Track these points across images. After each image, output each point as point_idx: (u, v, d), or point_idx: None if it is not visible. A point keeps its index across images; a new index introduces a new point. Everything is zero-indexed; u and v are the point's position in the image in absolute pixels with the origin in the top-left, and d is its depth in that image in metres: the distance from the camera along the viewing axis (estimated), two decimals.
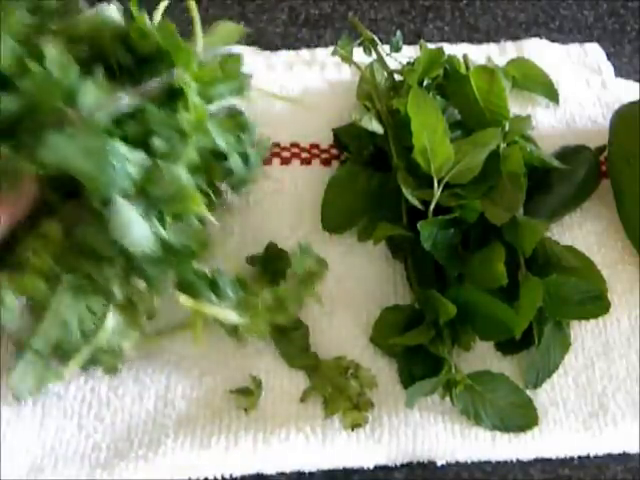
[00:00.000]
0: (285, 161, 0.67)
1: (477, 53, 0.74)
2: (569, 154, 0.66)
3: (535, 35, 0.79)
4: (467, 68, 0.67)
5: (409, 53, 0.70)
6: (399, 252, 0.62)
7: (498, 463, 0.55)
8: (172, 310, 0.54)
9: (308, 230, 0.63)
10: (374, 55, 0.70)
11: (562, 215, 0.65)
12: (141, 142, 0.51)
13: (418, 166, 0.58)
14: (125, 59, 0.54)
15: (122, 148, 0.49)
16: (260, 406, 0.55)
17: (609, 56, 0.77)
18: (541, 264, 0.58)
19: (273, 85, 0.70)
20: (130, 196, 0.49)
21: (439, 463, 0.55)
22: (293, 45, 0.78)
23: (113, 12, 0.55)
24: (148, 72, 0.54)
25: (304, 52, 0.76)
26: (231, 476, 0.53)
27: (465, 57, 0.68)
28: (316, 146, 0.68)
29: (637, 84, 0.74)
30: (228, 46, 0.60)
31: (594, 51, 0.77)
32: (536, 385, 0.56)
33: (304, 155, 0.68)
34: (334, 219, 0.63)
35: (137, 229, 0.49)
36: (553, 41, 0.78)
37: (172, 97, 0.53)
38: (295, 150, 0.68)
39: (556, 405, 0.56)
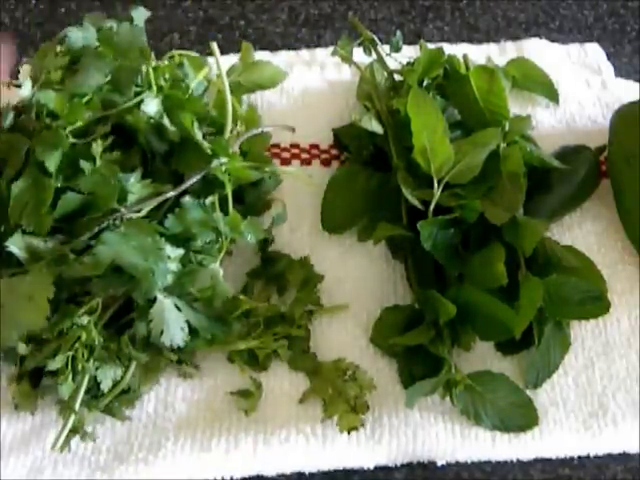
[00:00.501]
0: (285, 162, 0.67)
1: (477, 53, 0.74)
2: (569, 154, 0.66)
3: (535, 35, 0.79)
4: (467, 68, 0.67)
5: (409, 53, 0.70)
6: (399, 252, 0.62)
7: (498, 463, 0.55)
8: None
9: (308, 230, 0.63)
10: (374, 55, 0.70)
11: (562, 215, 0.65)
12: (181, 239, 0.54)
13: (418, 166, 0.58)
14: (159, 147, 0.58)
15: (167, 247, 0.53)
16: (260, 408, 0.55)
17: (609, 56, 0.77)
18: (541, 264, 0.58)
19: None
20: (168, 289, 0.53)
21: (439, 463, 0.55)
22: (293, 45, 0.78)
23: (151, 106, 0.58)
24: (181, 160, 0.58)
25: (304, 52, 0.76)
26: (231, 478, 0.53)
27: (465, 57, 0.68)
28: (316, 146, 0.68)
29: (637, 84, 0.74)
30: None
31: (594, 51, 0.77)
32: (536, 385, 0.56)
33: (304, 156, 0.68)
34: (334, 219, 0.63)
35: (174, 327, 0.53)
36: (553, 41, 0.78)
37: (209, 188, 0.57)
38: (295, 151, 0.68)
39: (556, 405, 0.56)
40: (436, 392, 0.55)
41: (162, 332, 0.52)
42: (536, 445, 0.54)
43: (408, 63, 0.68)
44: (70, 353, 0.52)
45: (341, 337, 0.58)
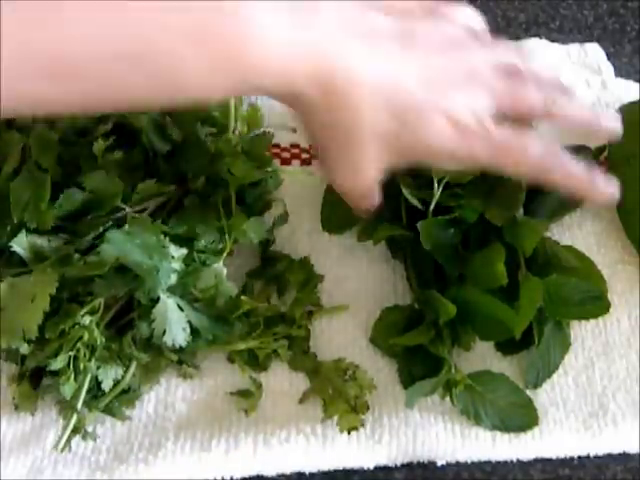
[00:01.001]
0: (285, 162, 0.68)
1: None
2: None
3: (535, 35, 0.79)
4: None
5: None
6: (399, 252, 0.62)
7: (498, 463, 0.55)
8: None
9: (308, 230, 0.63)
10: None
11: (562, 215, 0.65)
12: (184, 239, 0.54)
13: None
14: (161, 147, 0.58)
15: (170, 246, 0.53)
16: (260, 408, 0.55)
17: (609, 56, 0.77)
18: (541, 264, 0.58)
19: None
20: (171, 288, 0.53)
21: (439, 463, 0.55)
22: None
23: None
24: (184, 160, 0.58)
25: None
26: (232, 478, 0.53)
27: None
28: None
29: (637, 84, 0.74)
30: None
31: (594, 51, 0.77)
32: (536, 385, 0.56)
33: (304, 156, 0.68)
34: (334, 219, 0.63)
35: (176, 327, 0.53)
36: (553, 41, 0.78)
37: (212, 187, 0.57)
38: (295, 151, 0.68)
39: (556, 405, 0.56)
40: (436, 392, 0.55)
41: (164, 332, 0.52)
42: (536, 445, 0.54)
43: None
44: (72, 353, 0.52)
45: (341, 337, 0.58)
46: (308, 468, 0.54)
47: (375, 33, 0.46)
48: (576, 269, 0.57)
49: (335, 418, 0.54)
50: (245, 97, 0.67)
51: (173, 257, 0.53)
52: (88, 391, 0.53)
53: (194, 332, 0.54)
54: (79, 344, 0.52)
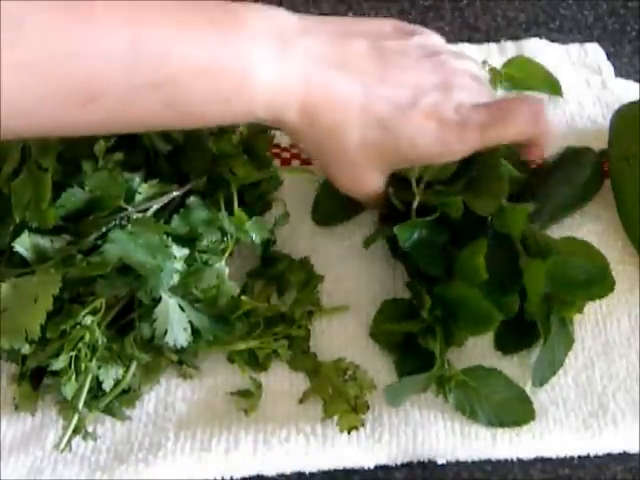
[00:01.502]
0: (285, 162, 0.68)
1: (477, 53, 0.74)
2: (572, 156, 0.66)
3: (535, 35, 0.79)
4: None
5: None
6: (399, 252, 0.62)
7: (498, 462, 0.55)
8: None
9: (308, 231, 0.63)
10: None
11: (563, 216, 0.65)
12: (186, 239, 0.55)
13: None
14: (163, 147, 0.58)
15: (173, 246, 0.53)
16: (260, 408, 0.55)
17: (609, 56, 0.77)
18: (540, 251, 0.58)
19: None
20: (173, 288, 0.53)
21: (439, 462, 0.54)
22: None
23: None
24: (186, 160, 0.58)
25: None
26: (232, 478, 0.53)
27: None
28: None
29: (637, 84, 0.74)
30: None
31: (594, 51, 0.77)
32: (542, 383, 0.56)
33: (304, 156, 0.68)
34: (325, 212, 0.64)
35: (178, 327, 0.53)
36: (553, 41, 0.78)
37: (214, 187, 0.58)
38: (295, 151, 0.68)
39: (556, 405, 0.56)
40: (428, 389, 0.55)
41: (166, 332, 0.53)
42: (536, 444, 0.54)
43: None
44: (73, 353, 0.52)
45: (341, 337, 0.58)
46: (308, 468, 0.54)
47: (350, 57, 0.51)
48: (576, 252, 0.57)
49: (335, 418, 0.54)
50: None
51: (175, 257, 0.53)
52: (88, 391, 0.53)
53: (195, 332, 0.54)
54: (80, 344, 0.52)
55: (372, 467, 0.54)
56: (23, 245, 0.52)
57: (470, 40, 0.79)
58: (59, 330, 0.51)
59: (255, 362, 0.57)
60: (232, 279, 0.56)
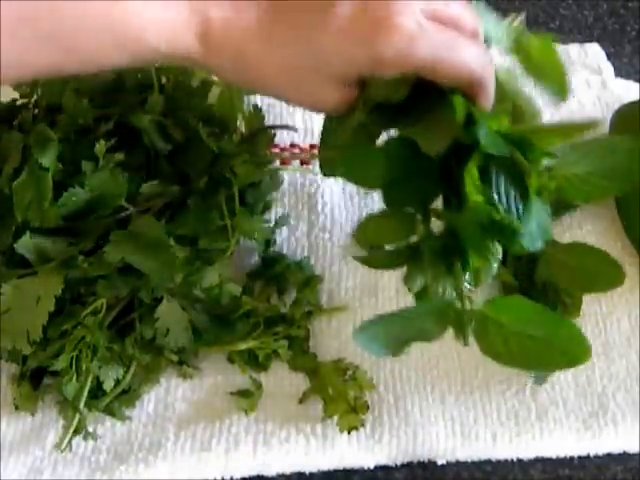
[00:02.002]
0: (285, 162, 0.68)
1: None
2: None
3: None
4: None
5: None
6: None
7: (498, 463, 0.55)
8: None
9: (308, 231, 0.63)
10: None
11: (562, 214, 0.65)
12: (188, 238, 0.55)
13: None
14: (163, 147, 0.58)
15: (175, 246, 0.53)
16: (260, 408, 0.55)
17: (609, 56, 0.77)
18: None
19: None
20: (174, 288, 0.53)
21: (439, 462, 0.55)
22: None
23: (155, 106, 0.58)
24: (186, 160, 0.58)
25: None
26: (232, 478, 0.53)
27: None
28: (316, 146, 0.68)
29: (637, 84, 0.74)
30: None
31: (594, 51, 0.77)
32: (542, 382, 0.56)
33: (304, 156, 0.68)
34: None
35: (179, 327, 0.53)
36: (553, 41, 0.78)
37: (215, 186, 0.57)
38: (295, 151, 0.68)
39: (556, 404, 0.56)
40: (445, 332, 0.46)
41: (167, 332, 0.53)
42: (536, 444, 0.54)
43: None
44: (74, 353, 0.52)
45: (341, 337, 0.58)
46: (308, 468, 0.54)
47: None
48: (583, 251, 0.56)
49: (335, 418, 0.54)
50: (246, 97, 0.68)
51: (177, 257, 0.53)
52: (88, 391, 0.53)
53: (195, 332, 0.54)
54: (81, 344, 0.52)
55: (372, 467, 0.54)
56: (25, 246, 0.52)
57: None
58: (60, 330, 0.52)
59: (255, 362, 0.57)
60: (232, 280, 0.56)
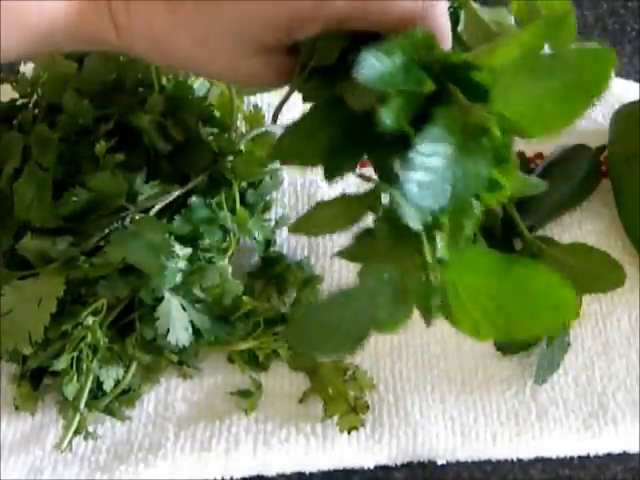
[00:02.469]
0: (285, 161, 0.67)
1: None
2: (569, 154, 0.66)
3: None
4: None
5: None
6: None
7: (498, 462, 0.55)
8: None
9: None
10: None
11: (561, 214, 0.65)
12: (189, 238, 0.55)
13: None
14: (163, 147, 0.57)
15: (176, 245, 0.53)
16: (260, 408, 0.55)
17: None
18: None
19: None
20: (174, 288, 0.53)
21: (439, 463, 0.54)
22: None
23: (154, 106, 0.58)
24: (186, 160, 0.58)
25: None
26: (232, 478, 0.53)
27: None
28: None
29: (637, 84, 0.74)
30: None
31: None
32: (544, 381, 0.56)
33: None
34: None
35: (179, 326, 0.53)
36: None
37: (216, 186, 0.57)
38: None
39: (556, 404, 0.56)
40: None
41: (168, 331, 0.53)
42: (536, 444, 0.54)
43: None
44: (75, 353, 0.52)
45: None
46: (308, 468, 0.54)
47: None
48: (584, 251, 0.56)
49: (335, 418, 0.54)
50: (246, 97, 0.68)
51: (178, 256, 0.53)
52: (89, 391, 0.53)
53: (195, 332, 0.54)
54: (82, 345, 0.52)
55: (372, 467, 0.54)
56: (26, 247, 0.52)
57: None
58: (60, 330, 0.52)
59: (255, 362, 0.57)
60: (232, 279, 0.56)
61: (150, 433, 0.54)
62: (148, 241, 0.52)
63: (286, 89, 0.45)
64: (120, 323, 0.55)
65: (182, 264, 0.53)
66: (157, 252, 0.52)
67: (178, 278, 0.53)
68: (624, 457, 0.55)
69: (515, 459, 0.55)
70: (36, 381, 0.55)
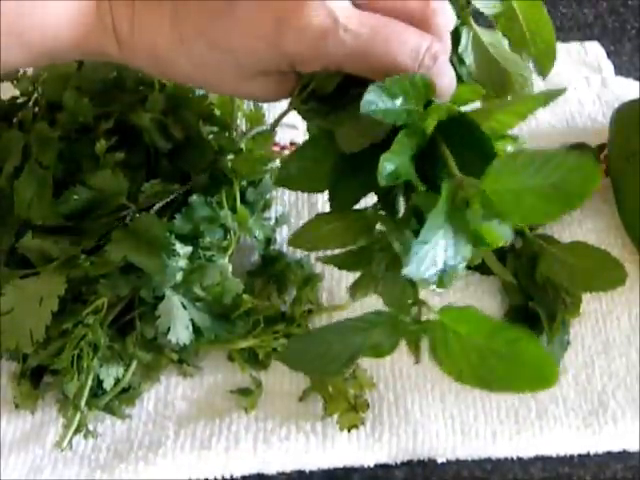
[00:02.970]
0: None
1: None
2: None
3: None
4: None
5: None
6: None
7: (498, 461, 0.55)
8: None
9: None
10: None
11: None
12: (189, 237, 0.55)
13: None
14: (163, 146, 0.57)
15: (177, 244, 0.53)
16: (260, 406, 0.55)
17: (609, 54, 0.77)
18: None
19: None
20: (175, 286, 0.53)
21: (439, 461, 0.55)
22: None
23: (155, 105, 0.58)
24: (186, 158, 0.58)
25: None
26: (232, 476, 0.53)
27: None
28: None
29: (637, 82, 0.74)
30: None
31: (594, 49, 0.77)
32: None
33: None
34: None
35: (180, 325, 0.53)
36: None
37: (216, 185, 0.57)
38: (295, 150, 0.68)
39: (556, 403, 0.56)
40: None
41: (169, 329, 0.53)
42: (536, 442, 0.54)
43: None
44: (75, 352, 0.52)
45: None
46: (308, 466, 0.54)
47: None
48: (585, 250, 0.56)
49: (335, 416, 0.54)
50: None
51: (179, 255, 0.53)
52: (89, 390, 0.53)
53: (196, 331, 0.54)
54: (82, 343, 0.52)
55: (372, 466, 0.54)
56: (27, 246, 0.52)
57: None
58: (61, 329, 0.52)
59: (255, 360, 0.57)
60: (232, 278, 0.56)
61: (150, 431, 0.54)
62: (149, 240, 0.52)
63: None
64: (121, 321, 0.55)
65: (182, 263, 0.53)
66: (158, 251, 0.52)
67: (178, 276, 0.53)
68: (624, 455, 0.55)
69: (515, 457, 0.55)
70: (36, 379, 0.55)
